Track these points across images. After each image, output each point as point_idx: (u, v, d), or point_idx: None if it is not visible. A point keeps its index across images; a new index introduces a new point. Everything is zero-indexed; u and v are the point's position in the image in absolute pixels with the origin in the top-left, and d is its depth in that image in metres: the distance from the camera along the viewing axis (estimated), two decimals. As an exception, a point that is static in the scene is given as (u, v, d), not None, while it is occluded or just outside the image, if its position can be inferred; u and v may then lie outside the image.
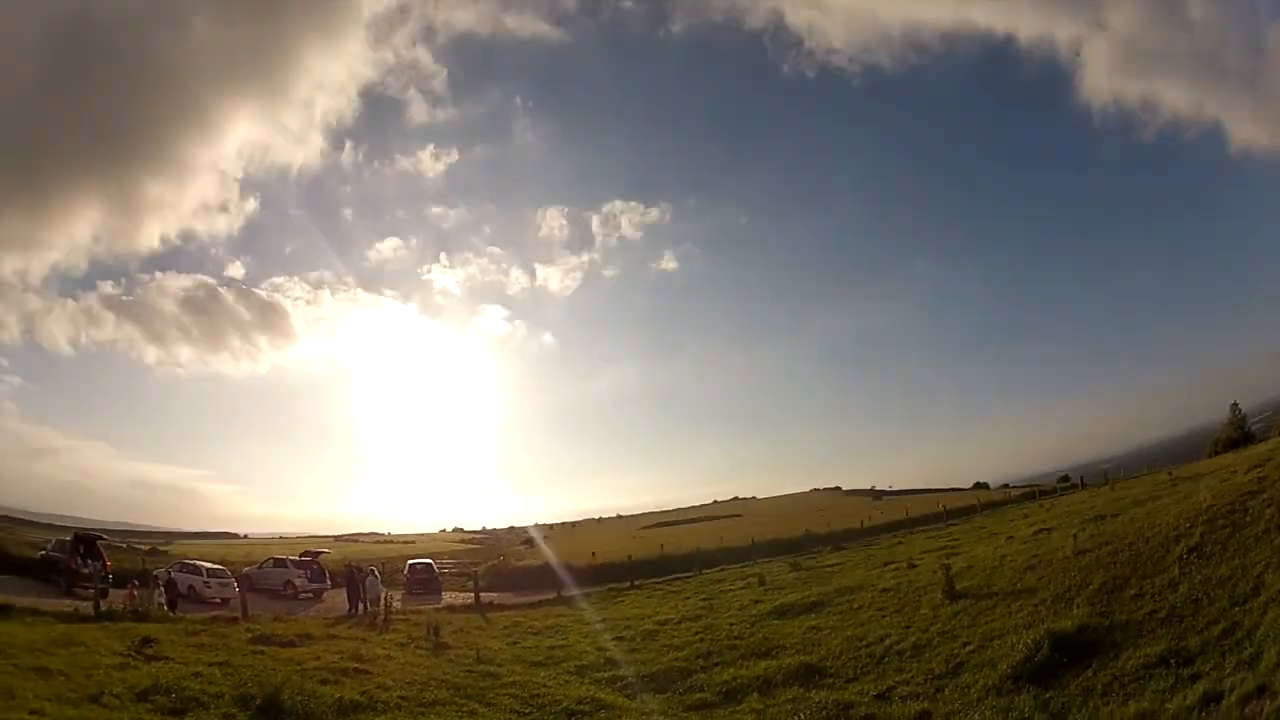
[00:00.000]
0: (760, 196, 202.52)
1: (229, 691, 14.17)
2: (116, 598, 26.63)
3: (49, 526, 51.71)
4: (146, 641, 18.57)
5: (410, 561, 45.40)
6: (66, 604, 24.46)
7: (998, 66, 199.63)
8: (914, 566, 25.90)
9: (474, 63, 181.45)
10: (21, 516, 59.24)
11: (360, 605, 30.99)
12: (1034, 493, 64.59)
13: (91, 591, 27.25)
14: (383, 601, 29.28)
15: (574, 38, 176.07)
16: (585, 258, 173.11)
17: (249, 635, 21.41)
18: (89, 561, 31.33)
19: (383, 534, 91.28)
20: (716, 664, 17.40)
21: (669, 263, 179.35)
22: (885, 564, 29.91)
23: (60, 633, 18.60)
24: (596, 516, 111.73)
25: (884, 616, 18.53)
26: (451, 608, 33.26)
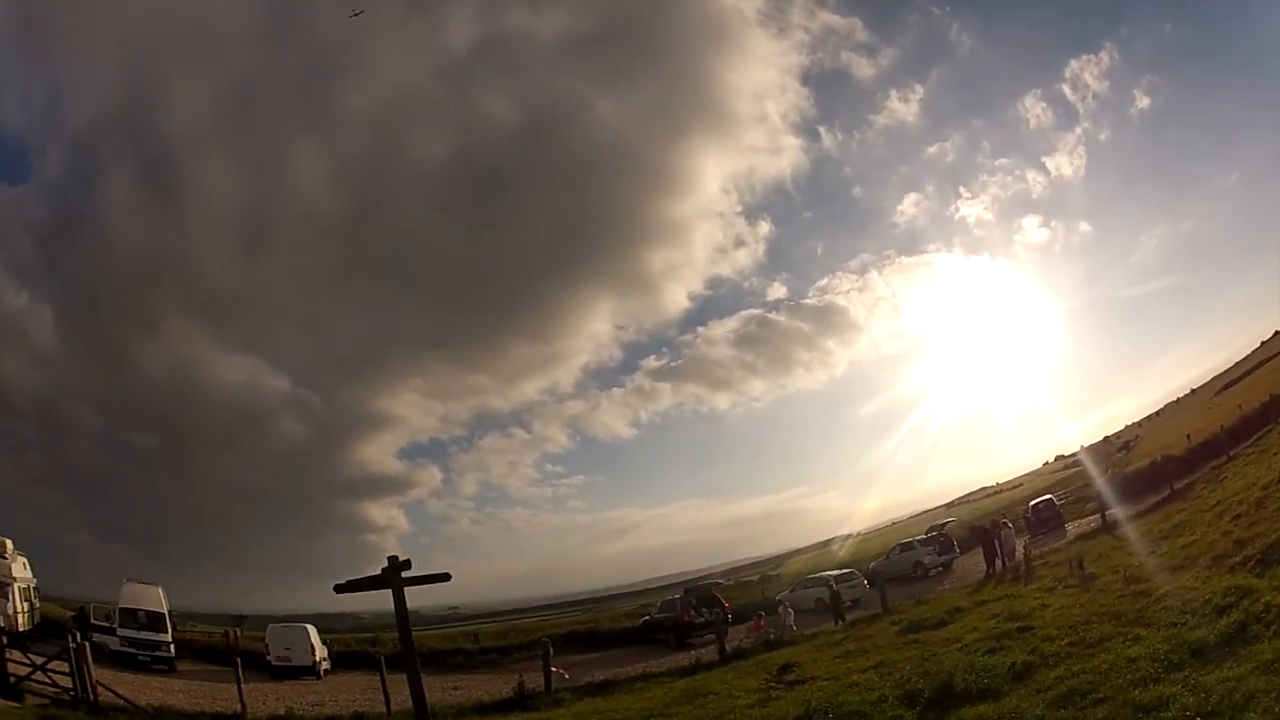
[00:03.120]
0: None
1: (890, 693, 13.18)
2: (736, 636, 26.96)
3: (641, 593, 56.67)
4: (785, 668, 18.30)
5: (1032, 502, 43.45)
6: (682, 658, 25.13)
7: None
8: None
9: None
10: (611, 593, 65.79)
11: (998, 562, 30.09)
12: None
13: (708, 637, 28.23)
14: (1019, 552, 28.91)
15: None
16: (1077, 131, 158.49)
17: (895, 628, 20.81)
18: (704, 610, 32.24)
19: (990, 486, 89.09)
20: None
21: (1141, 101, 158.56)
22: None
23: (682, 689, 18.51)
24: (1174, 398, 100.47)
25: None
26: (1082, 536, 31.81)
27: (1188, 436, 43.61)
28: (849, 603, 32.35)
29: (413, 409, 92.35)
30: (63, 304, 75.84)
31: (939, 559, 37.86)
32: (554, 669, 22.65)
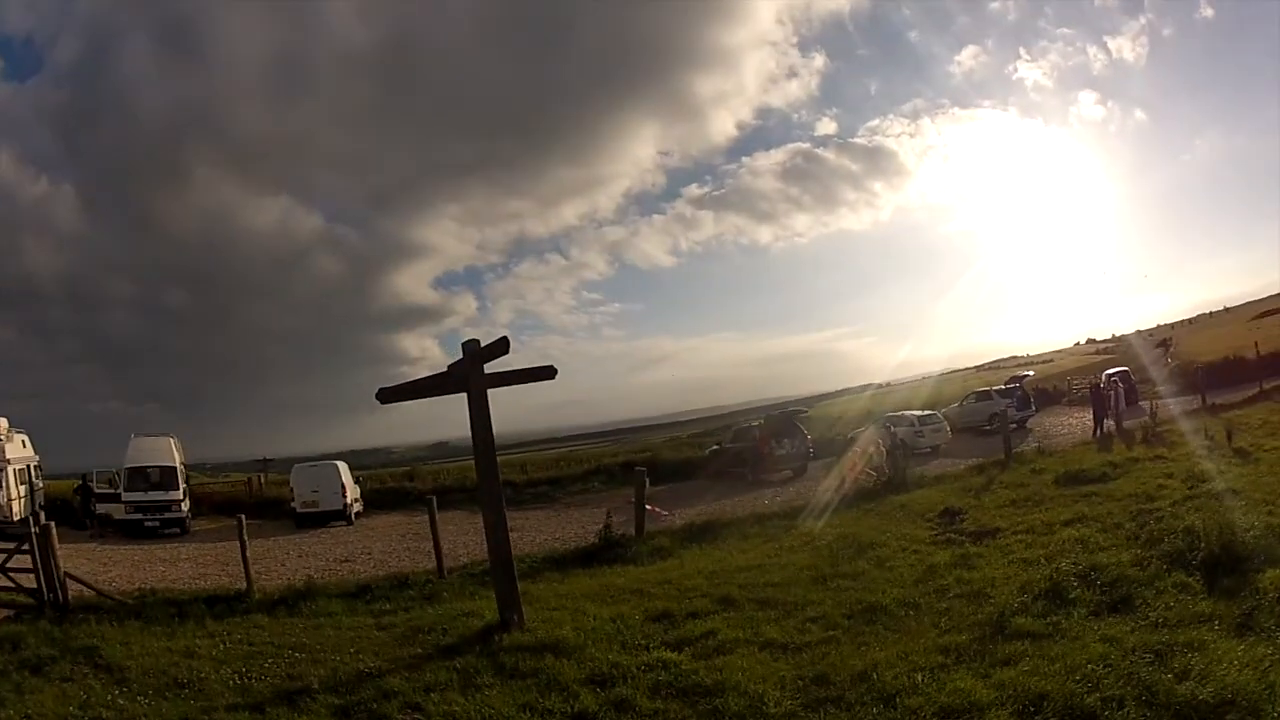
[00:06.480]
0: None
1: (1143, 553, 10.10)
2: (814, 472, 25.41)
3: (672, 425, 55.03)
4: (950, 515, 14.98)
5: (1106, 372, 41.14)
6: (784, 498, 22.69)
7: None
8: None
9: None
10: (643, 424, 64.14)
11: (1106, 422, 28.76)
12: None
13: (786, 473, 27.46)
14: (1126, 413, 29.33)
15: None
16: (1141, 20, 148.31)
17: (1048, 478, 18.24)
18: (784, 442, 29.92)
19: (1021, 356, 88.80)
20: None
21: (1205, 9, 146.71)
22: None
23: (835, 538, 14.27)
24: (1208, 311, 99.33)
25: None
26: (1186, 414, 28.93)
27: (1255, 344, 44.24)
28: (928, 449, 30.94)
29: (449, 237, 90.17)
30: (86, 181, 73.67)
31: (1018, 414, 36.43)
32: (649, 507, 18.34)
